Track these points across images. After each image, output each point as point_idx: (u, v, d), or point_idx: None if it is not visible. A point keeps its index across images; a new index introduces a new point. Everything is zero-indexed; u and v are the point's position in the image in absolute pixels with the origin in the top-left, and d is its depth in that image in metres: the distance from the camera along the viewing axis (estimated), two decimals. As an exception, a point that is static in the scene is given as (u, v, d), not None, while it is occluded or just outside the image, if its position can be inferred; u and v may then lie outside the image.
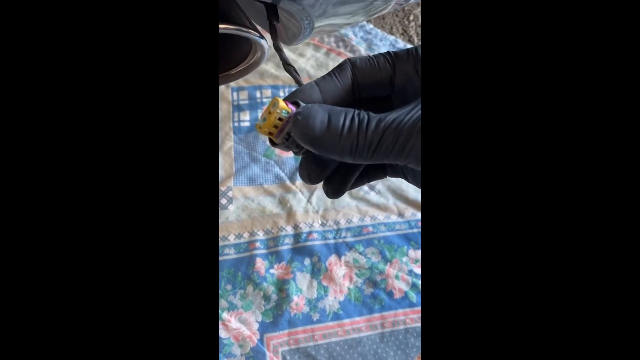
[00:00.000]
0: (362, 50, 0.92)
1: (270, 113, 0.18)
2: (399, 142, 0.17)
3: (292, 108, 0.19)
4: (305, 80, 0.86)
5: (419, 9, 1.03)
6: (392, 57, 0.20)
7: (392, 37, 0.96)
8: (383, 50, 0.94)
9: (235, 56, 0.28)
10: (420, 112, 0.17)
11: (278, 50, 0.24)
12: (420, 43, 0.97)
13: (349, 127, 0.17)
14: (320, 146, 0.18)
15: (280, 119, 0.18)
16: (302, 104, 0.18)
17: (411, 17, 1.02)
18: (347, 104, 0.20)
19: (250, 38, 0.23)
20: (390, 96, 0.21)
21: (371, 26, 0.98)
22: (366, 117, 0.17)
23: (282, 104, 0.18)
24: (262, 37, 0.24)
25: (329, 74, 0.20)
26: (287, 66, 0.23)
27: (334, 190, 0.22)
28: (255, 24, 0.26)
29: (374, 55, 0.21)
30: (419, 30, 1.00)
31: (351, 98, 0.21)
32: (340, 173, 0.22)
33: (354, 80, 0.20)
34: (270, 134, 0.19)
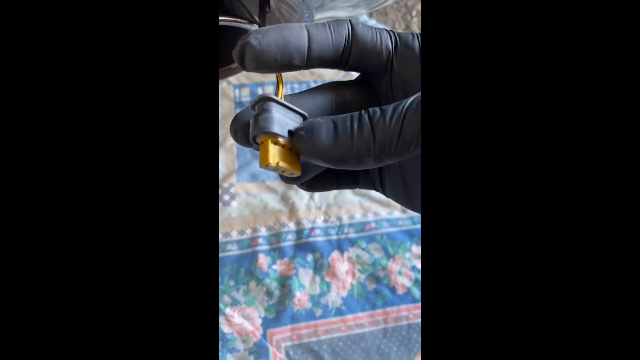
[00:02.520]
0: (364, 46, 0.92)
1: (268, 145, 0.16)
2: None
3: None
4: (305, 77, 0.86)
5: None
6: (397, 38, 0.18)
7: (394, 33, 0.96)
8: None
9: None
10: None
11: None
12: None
13: (358, 126, 0.15)
14: (334, 158, 0.16)
15: (277, 144, 0.16)
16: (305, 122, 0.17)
17: (414, 13, 1.02)
18: (334, 65, 0.18)
19: (246, 30, 0.23)
20: (378, 84, 0.19)
21: (374, 22, 0.97)
22: (377, 110, 0.15)
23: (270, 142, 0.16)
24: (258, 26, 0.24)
25: (323, 24, 0.18)
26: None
27: (308, 185, 0.21)
28: (256, 17, 0.26)
29: (378, 29, 0.19)
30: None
31: (338, 60, 0.18)
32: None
33: (347, 44, 0.18)
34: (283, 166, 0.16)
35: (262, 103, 0.17)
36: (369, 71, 0.19)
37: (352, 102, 0.19)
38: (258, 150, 0.17)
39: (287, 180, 0.19)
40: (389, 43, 0.18)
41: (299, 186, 0.21)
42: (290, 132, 0.17)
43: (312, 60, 0.17)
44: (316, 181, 0.21)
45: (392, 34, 0.19)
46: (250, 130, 0.17)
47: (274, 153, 0.16)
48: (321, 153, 0.16)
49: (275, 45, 0.17)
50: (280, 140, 0.16)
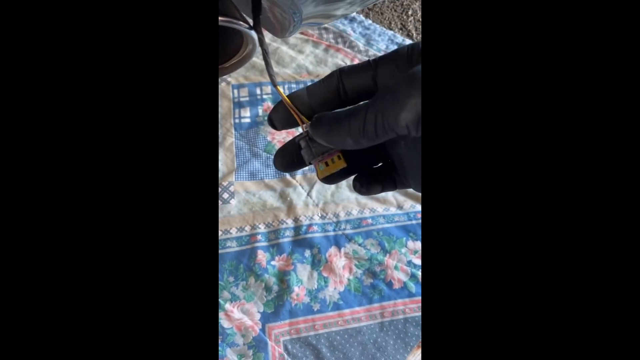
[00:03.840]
0: (361, 46, 0.93)
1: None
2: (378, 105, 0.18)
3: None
4: (304, 76, 0.87)
5: (418, 3, 1.04)
6: (376, 60, 0.22)
7: (390, 32, 0.97)
8: (382, 45, 0.94)
9: (227, 49, 0.29)
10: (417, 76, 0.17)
11: (259, 34, 0.25)
12: (419, 38, 0.97)
13: (352, 115, 0.19)
14: (334, 140, 0.20)
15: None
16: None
17: (410, 12, 1.03)
18: (335, 105, 0.22)
19: (241, 30, 0.24)
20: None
21: (370, 21, 0.98)
22: (363, 105, 0.19)
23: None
24: (252, 29, 0.25)
25: (319, 80, 0.23)
26: (265, 52, 0.24)
27: (362, 186, 0.24)
28: (246, 17, 0.27)
29: (360, 64, 0.23)
30: (418, 24, 1.01)
31: (338, 100, 0.23)
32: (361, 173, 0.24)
33: (339, 84, 0.22)
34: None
35: (303, 139, 0.23)
36: (364, 97, 0.23)
37: (357, 87, 0.23)
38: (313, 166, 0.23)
39: (357, 187, 0.25)
40: (369, 66, 0.22)
41: (358, 191, 0.25)
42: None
43: (317, 107, 0.23)
44: (369, 185, 0.25)
45: (372, 59, 0.23)
46: (305, 155, 0.23)
47: (320, 170, 0.23)
48: (325, 136, 0.20)
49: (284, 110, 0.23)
50: (321, 157, 0.23)
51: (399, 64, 0.21)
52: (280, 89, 0.24)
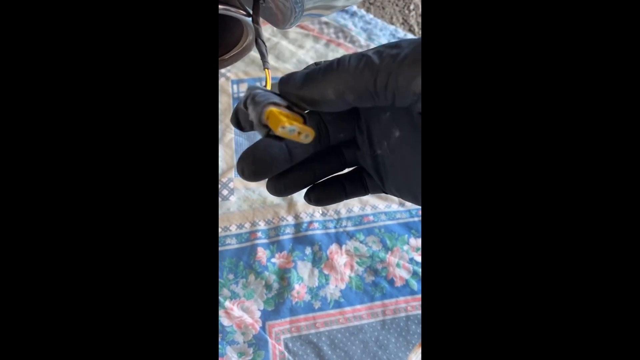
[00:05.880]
0: (362, 41, 0.92)
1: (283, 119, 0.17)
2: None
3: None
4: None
5: (419, -2, 1.03)
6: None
7: (392, 27, 0.96)
8: (383, 40, 0.93)
9: (228, 41, 0.28)
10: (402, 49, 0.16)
11: (255, 24, 0.24)
12: (420, 32, 0.96)
13: (325, 70, 0.17)
14: (307, 96, 0.17)
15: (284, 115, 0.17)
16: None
17: (411, 7, 1.01)
18: (316, 152, 0.21)
19: (240, 19, 0.23)
20: (355, 137, 0.22)
21: (371, 16, 0.97)
22: (343, 58, 0.17)
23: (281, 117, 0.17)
24: (249, 16, 0.25)
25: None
26: (259, 41, 0.23)
27: (316, 199, 0.22)
28: (246, 6, 0.26)
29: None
30: (420, 19, 1.00)
31: (319, 147, 0.21)
32: (299, 178, 0.22)
33: (320, 129, 0.21)
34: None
35: (250, 92, 0.18)
36: (345, 139, 0.22)
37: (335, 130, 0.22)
38: (265, 134, 0.18)
39: (244, 174, 0.20)
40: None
41: (308, 202, 0.22)
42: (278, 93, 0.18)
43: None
44: (323, 193, 0.22)
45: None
46: (252, 112, 0.18)
47: (283, 116, 0.17)
48: (297, 92, 0.17)
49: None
50: (283, 109, 0.17)
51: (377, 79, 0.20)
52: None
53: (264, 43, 0.23)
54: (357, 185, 0.22)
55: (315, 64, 0.19)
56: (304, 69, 0.19)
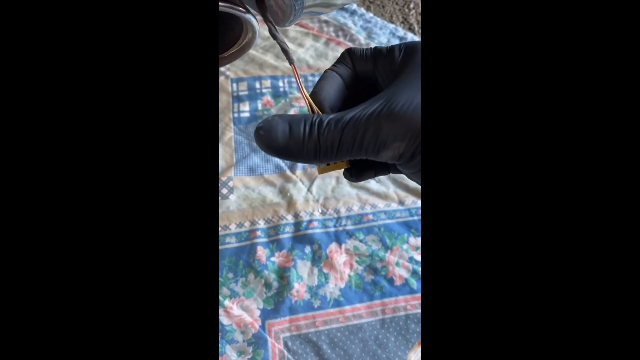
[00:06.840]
0: (362, 39, 0.92)
1: None
2: (357, 138, 0.18)
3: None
4: (304, 70, 0.86)
5: (419, -4, 1.03)
6: (374, 54, 0.22)
7: (392, 25, 0.96)
8: (383, 39, 0.93)
9: (227, 38, 0.28)
10: (374, 107, 0.18)
11: (267, 21, 0.24)
12: (420, 31, 0.96)
13: (309, 132, 0.18)
14: (287, 154, 0.19)
15: None
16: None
17: (411, 5, 1.01)
18: (350, 93, 0.22)
19: (240, 16, 0.23)
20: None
21: (371, 14, 0.97)
22: (325, 119, 0.18)
23: None
24: (251, 15, 0.25)
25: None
26: (275, 37, 0.23)
27: (351, 175, 0.24)
28: (245, 4, 0.26)
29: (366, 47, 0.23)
30: (419, 18, 0.99)
31: (351, 90, 0.22)
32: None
33: (352, 70, 0.22)
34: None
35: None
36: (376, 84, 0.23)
37: (361, 75, 0.23)
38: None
39: (347, 177, 0.24)
40: (370, 58, 0.23)
41: (349, 179, 0.24)
42: (257, 128, 0.19)
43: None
44: (360, 172, 0.24)
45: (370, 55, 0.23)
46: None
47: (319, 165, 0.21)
48: (276, 150, 0.18)
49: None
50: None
51: (392, 62, 0.21)
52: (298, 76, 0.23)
53: (281, 39, 0.23)
54: (381, 166, 0.24)
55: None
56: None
